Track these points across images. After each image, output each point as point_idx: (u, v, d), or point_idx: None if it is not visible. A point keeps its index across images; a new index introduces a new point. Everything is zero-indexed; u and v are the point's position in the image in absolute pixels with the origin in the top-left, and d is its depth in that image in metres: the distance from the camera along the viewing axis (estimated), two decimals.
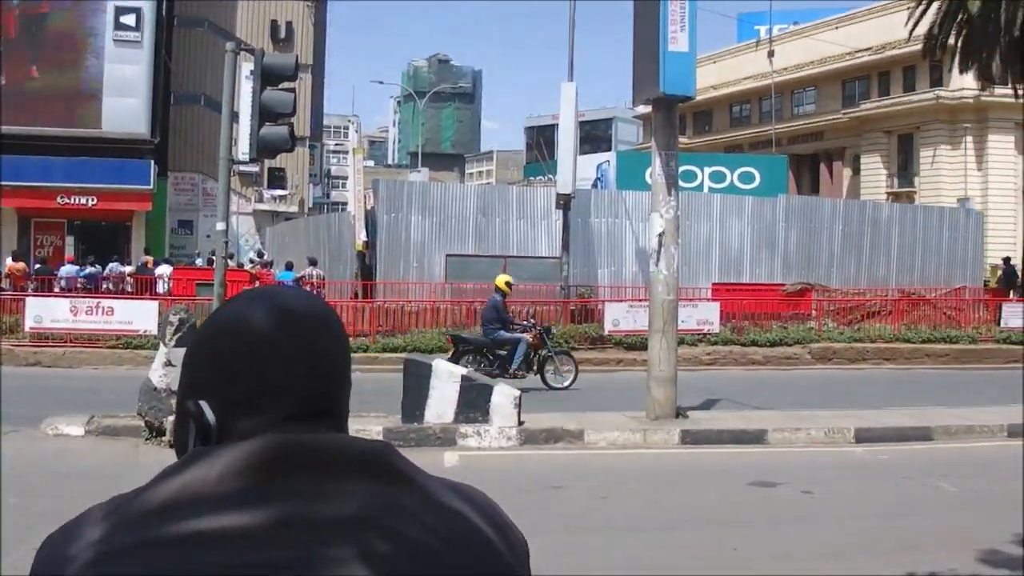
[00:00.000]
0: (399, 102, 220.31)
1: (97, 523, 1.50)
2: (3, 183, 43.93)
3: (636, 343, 26.76)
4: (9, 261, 35.88)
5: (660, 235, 17.48)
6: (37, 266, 38.00)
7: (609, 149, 75.56)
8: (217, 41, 47.93)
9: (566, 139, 32.62)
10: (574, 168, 31.79)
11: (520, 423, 16.02)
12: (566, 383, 22.85)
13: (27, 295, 29.52)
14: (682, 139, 48.20)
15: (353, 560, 1.44)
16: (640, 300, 27.90)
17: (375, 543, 1.47)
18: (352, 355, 1.79)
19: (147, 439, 15.52)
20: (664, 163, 17.54)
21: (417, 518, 1.53)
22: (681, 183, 20.14)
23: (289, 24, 57.17)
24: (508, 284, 23.79)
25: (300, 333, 1.63)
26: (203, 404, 1.60)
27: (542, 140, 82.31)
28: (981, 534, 10.12)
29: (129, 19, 46.50)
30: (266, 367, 1.60)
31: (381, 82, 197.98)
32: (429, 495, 1.58)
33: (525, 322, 24.05)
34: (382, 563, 1.45)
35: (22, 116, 44.21)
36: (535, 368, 22.89)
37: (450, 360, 21.40)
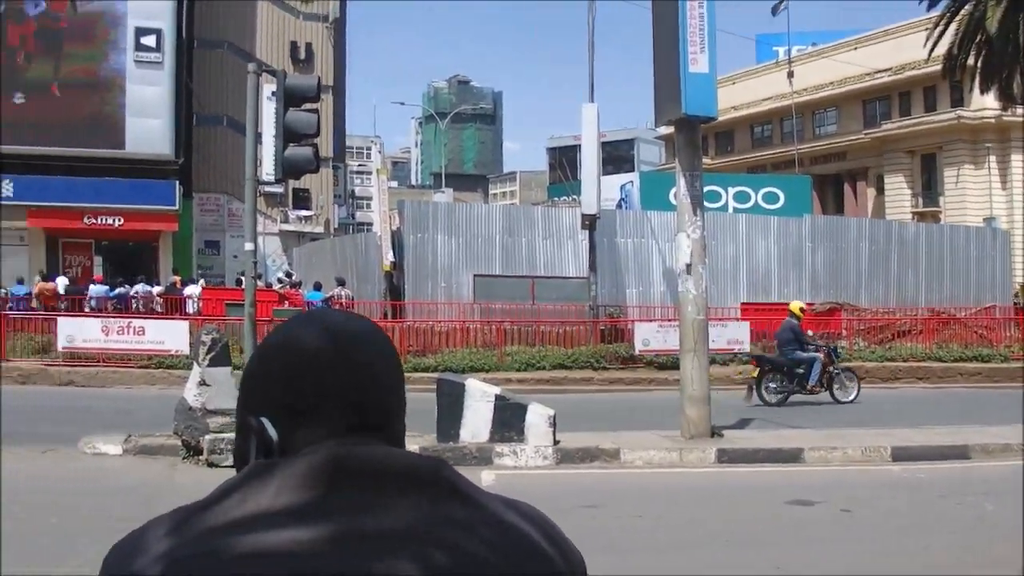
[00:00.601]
0: (421, 123, 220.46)
1: (162, 538, 1.52)
2: (29, 203, 44.22)
3: (667, 363, 26.86)
4: (39, 281, 36.09)
5: (688, 255, 17.48)
6: (67, 284, 38.24)
7: (632, 169, 75.79)
8: (237, 62, 48.21)
9: (589, 160, 32.66)
10: (598, 189, 31.81)
11: (556, 442, 16.01)
12: (851, 397, 24.37)
13: (59, 315, 29.77)
14: (705, 160, 48.19)
15: (410, 572, 1.46)
16: (670, 320, 27.96)
17: (432, 555, 1.48)
18: None
19: (184, 458, 15.60)
20: (689, 184, 17.56)
21: (474, 531, 1.53)
22: (706, 203, 20.13)
23: (309, 45, 57.40)
24: (801, 309, 25.39)
25: (351, 349, 1.66)
26: (264, 420, 1.64)
27: (564, 160, 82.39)
28: None
29: (149, 40, 46.76)
30: (320, 382, 1.63)
31: (402, 103, 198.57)
32: (485, 509, 1.59)
33: (817, 342, 25.46)
34: (440, 575, 1.47)
35: (47, 136, 44.45)
36: (824, 384, 24.18)
37: (755, 379, 23.31)
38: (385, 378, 1.69)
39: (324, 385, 1.63)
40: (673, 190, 24.16)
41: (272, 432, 1.62)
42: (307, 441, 1.59)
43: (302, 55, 56.69)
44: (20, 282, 36.11)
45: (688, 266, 17.56)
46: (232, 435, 14.84)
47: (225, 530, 1.48)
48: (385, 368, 1.70)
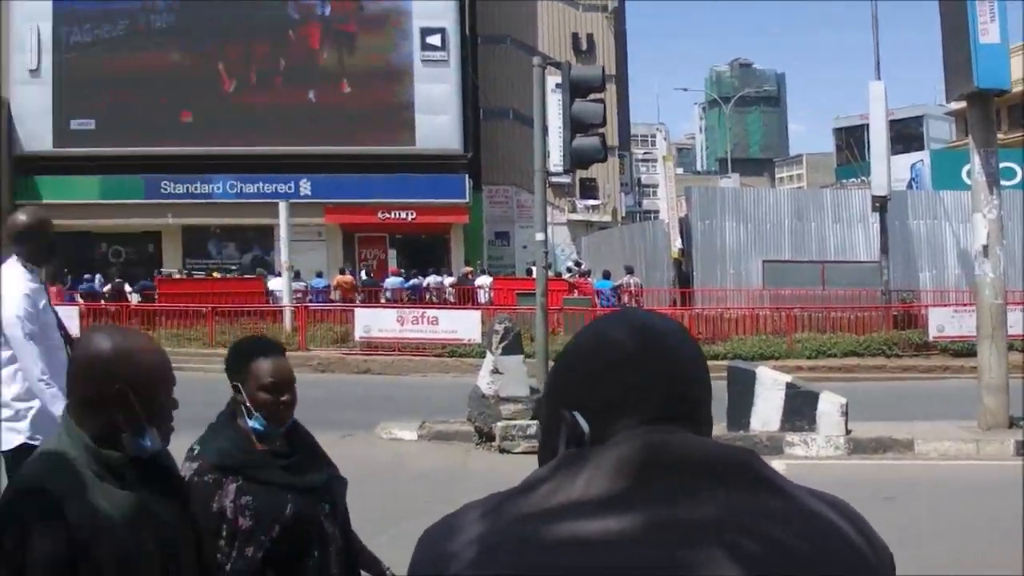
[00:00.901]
0: (704, 108, 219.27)
1: (476, 521, 1.57)
2: (326, 200, 46.19)
3: (963, 349, 25.85)
4: (337, 275, 37.54)
5: (984, 236, 16.91)
6: (364, 277, 39.72)
7: (921, 148, 73.36)
8: (520, 56, 48.81)
9: (877, 139, 31.93)
10: (888, 169, 31.07)
11: (847, 432, 15.70)
12: None
13: (356, 306, 30.89)
14: (998, 134, 46.43)
15: (724, 561, 1.45)
16: (965, 305, 27.03)
17: (744, 545, 1.48)
18: None
19: (477, 444, 15.94)
20: (983, 161, 16.93)
21: (785, 522, 1.53)
22: (1001, 181, 19.35)
23: (590, 36, 57.55)
24: None
25: (659, 344, 1.68)
26: (575, 414, 1.65)
27: (852, 141, 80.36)
28: None
29: (434, 39, 48.08)
30: (630, 377, 1.65)
31: (685, 89, 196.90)
32: (795, 500, 1.59)
33: None
34: (753, 564, 1.46)
35: (342, 136, 46.24)
36: None
37: None
38: (692, 371, 1.71)
39: (634, 379, 1.65)
40: (966, 168, 23.33)
41: (584, 425, 1.64)
42: (618, 432, 1.61)
43: (583, 46, 56.91)
44: (319, 275, 37.55)
45: (985, 248, 16.96)
46: (523, 422, 15.18)
47: (538, 518, 1.52)
48: (691, 361, 1.71)
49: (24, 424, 6.69)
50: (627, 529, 1.48)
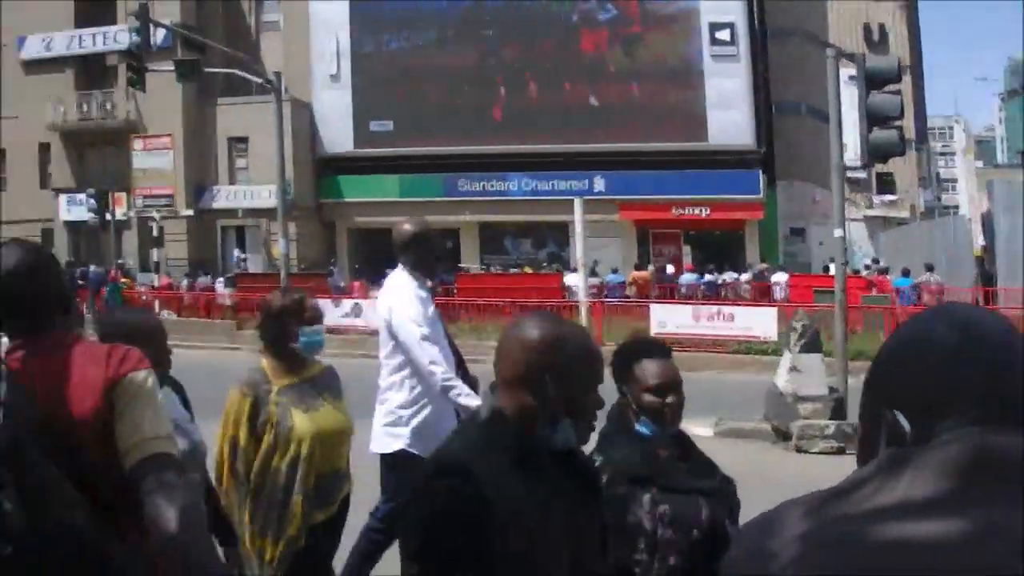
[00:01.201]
0: (1003, 99, 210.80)
1: (797, 520, 1.55)
2: (620, 197, 46.56)
3: None
4: (633, 270, 37.87)
5: None
6: (666, 273, 39.95)
7: None
8: (810, 49, 48.04)
9: None
10: None
11: None
12: None
13: (651, 302, 31.15)
14: None
15: None
16: None
17: None
18: None
19: (773, 443, 15.73)
20: None
21: None
22: None
23: (882, 26, 56.31)
24: None
25: (983, 342, 1.61)
26: (897, 412, 1.62)
27: None
28: None
29: (724, 34, 47.62)
30: (953, 375, 1.59)
31: (984, 79, 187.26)
32: None
33: None
34: None
35: (634, 133, 46.47)
36: None
37: None
38: (1019, 369, 1.60)
39: (958, 378, 1.58)
40: None
41: (905, 424, 1.60)
42: (940, 433, 1.56)
43: (875, 37, 55.67)
44: (615, 271, 37.86)
45: None
46: (821, 422, 15.02)
47: (860, 518, 1.49)
48: (1018, 358, 1.61)
49: (405, 431, 6.77)
50: (951, 533, 1.43)
